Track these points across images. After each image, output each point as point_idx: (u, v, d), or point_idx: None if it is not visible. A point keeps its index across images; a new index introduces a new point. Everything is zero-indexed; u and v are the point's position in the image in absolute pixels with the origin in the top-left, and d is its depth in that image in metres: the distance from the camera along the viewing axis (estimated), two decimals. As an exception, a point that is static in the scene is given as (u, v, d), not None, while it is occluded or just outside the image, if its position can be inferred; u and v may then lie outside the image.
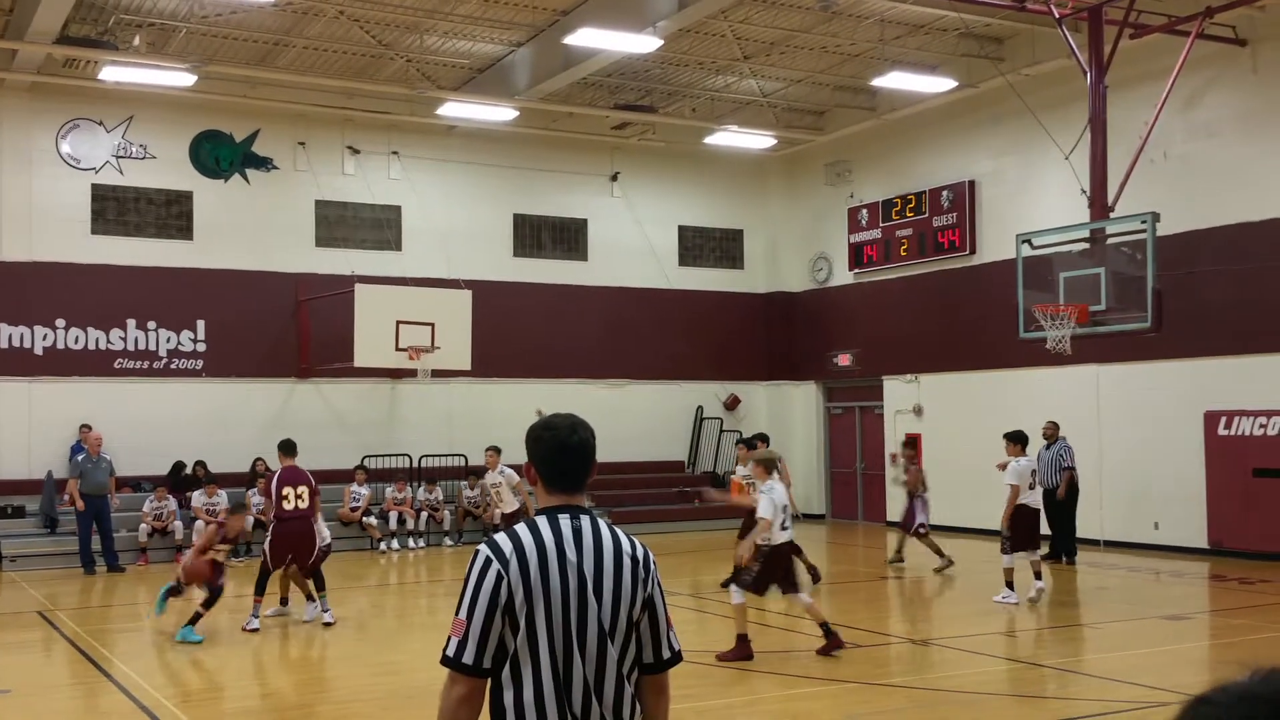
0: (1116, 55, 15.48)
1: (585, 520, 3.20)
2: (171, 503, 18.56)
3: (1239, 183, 16.91)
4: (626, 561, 3.18)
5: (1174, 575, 15.76)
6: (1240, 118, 17.03)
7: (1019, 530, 13.42)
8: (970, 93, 19.91)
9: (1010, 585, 13.24)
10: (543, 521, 3.18)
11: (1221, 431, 16.87)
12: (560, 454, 3.26)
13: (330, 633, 12.25)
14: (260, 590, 12.35)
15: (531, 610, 3.07)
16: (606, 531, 3.21)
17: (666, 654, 3.25)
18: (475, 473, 19.57)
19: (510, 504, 15.25)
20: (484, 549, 3.14)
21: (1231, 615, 13.02)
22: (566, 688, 3.07)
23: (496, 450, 16.05)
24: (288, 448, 12.58)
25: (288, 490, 12.05)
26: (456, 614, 3.10)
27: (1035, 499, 13.81)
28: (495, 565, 3.09)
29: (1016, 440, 13.79)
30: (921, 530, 16.11)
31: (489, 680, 3.11)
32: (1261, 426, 16.42)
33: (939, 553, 15.73)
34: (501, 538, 3.17)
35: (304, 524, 12.17)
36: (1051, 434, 16.92)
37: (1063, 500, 16.61)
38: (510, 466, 15.42)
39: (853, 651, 10.67)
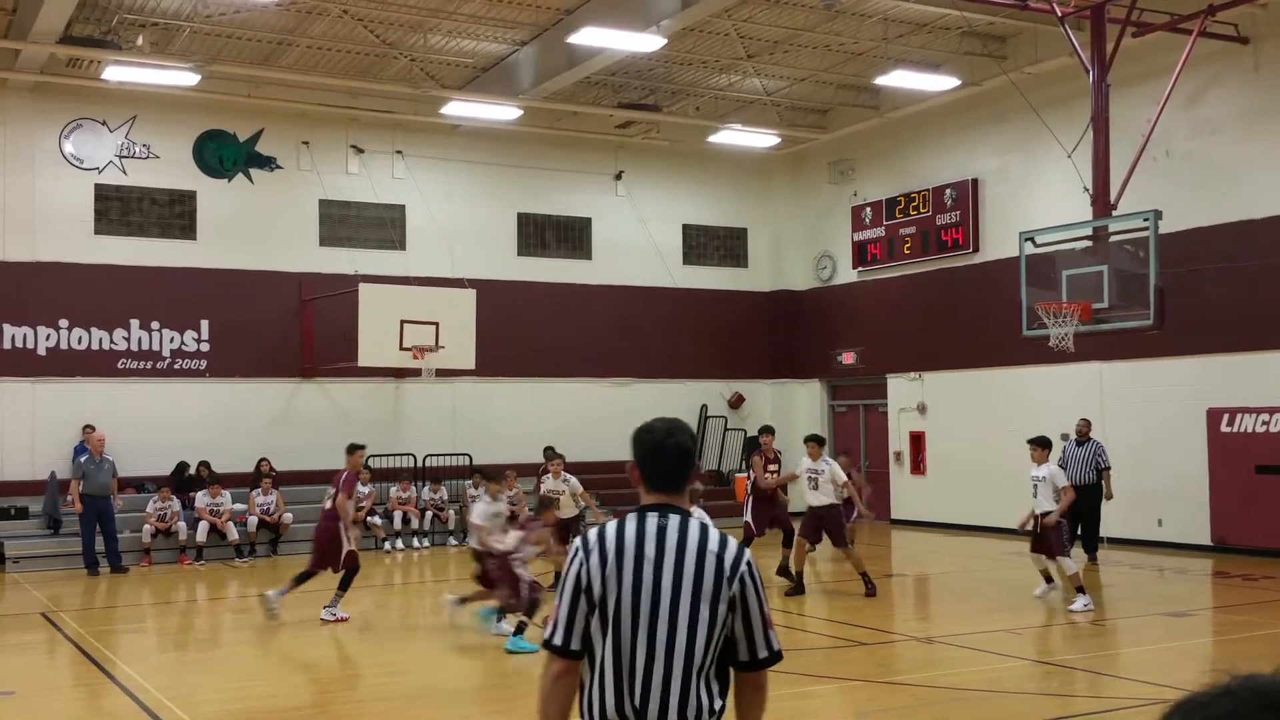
0: (1119, 53, 15.48)
1: (673, 519, 3.30)
2: (175, 503, 18.57)
3: (1241, 180, 16.90)
4: (710, 560, 3.24)
5: (1177, 572, 15.77)
6: (1242, 115, 17.03)
7: (1063, 532, 13.29)
8: (973, 91, 19.91)
9: (1082, 589, 12.75)
10: (631, 518, 3.32)
11: (1224, 428, 16.88)
12: (656, 456, 3.40)
13: (335, 633, 12.28)
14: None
15: (605, 599, 3.23)
16: (694, 531, 3.30)
17: (763, 654, 3.30)
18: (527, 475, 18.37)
19: (569, 510, 15.03)
20: (577, 540, 3.35)
21: (1235, 612, 13.02)
22: (630, 676, 3.19)
23: (561, 458, 15.72)
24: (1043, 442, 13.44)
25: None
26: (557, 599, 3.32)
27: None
28: (579, 555, 3.29)
29: (1044, 445, 13.46)
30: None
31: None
32: (1264, 423, 16.42)
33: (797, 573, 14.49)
34: (594, 530, 3.36)
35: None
36: (1085, 431, 16.86)
37: (1108, 498, 16.53)
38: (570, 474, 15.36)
39: (859, 649, 10.68)
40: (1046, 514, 12.96)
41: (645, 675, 3.18)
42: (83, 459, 17.43)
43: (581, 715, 3.27)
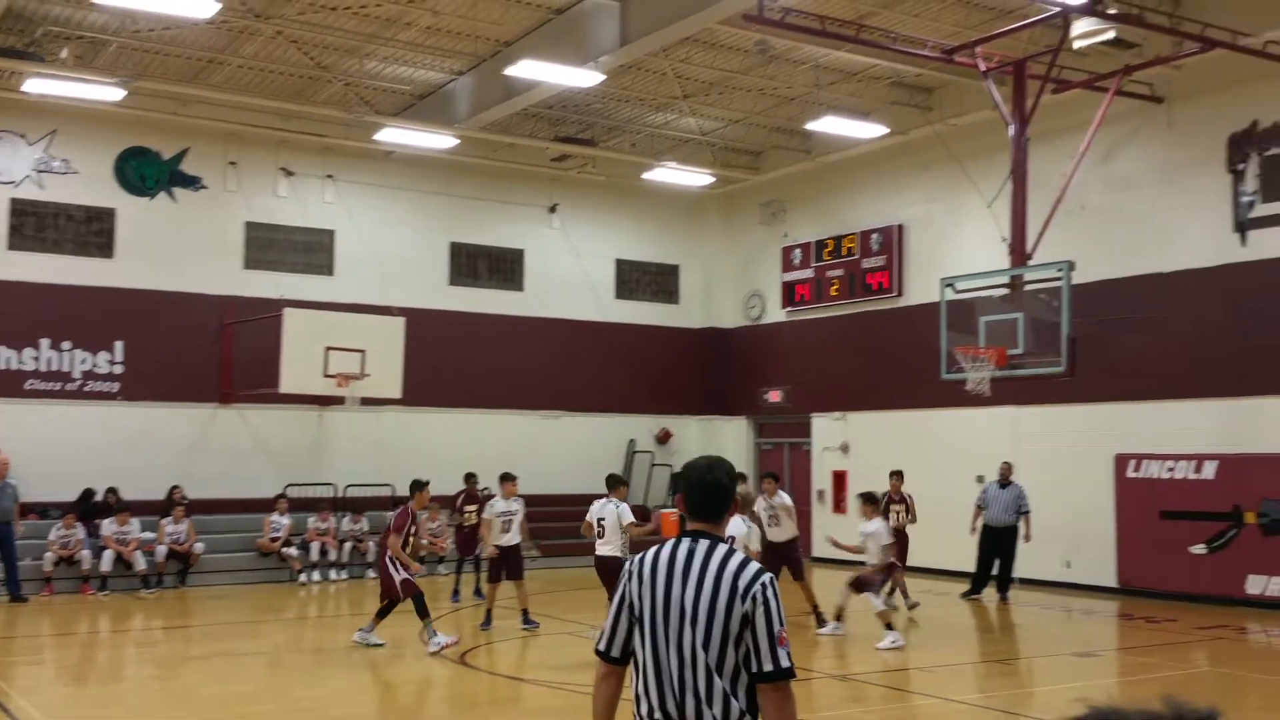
0: (1038, 109, 15.91)
1: (702, 543, 3.76)
2: (80, 531, 17.84)
3: (1153, 235, 17.45)
4: (726, 582, 3.64)
5: (1084, 613, 16.10)
6: (1156, 172, 17.60)
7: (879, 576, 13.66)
8: (900, 139, 20.33)
9: (890, 626, 13.08)
10: (670, 542, 3.82)
11: (1131, 474, 17.34)
12: (696, 489, 3.89)
13: (243, 668, 12.07)
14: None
15: (643, 613, 3.73)
16: (718, 555, 3.71)
17: (768, 667, 3.62)
18: (472, 498, 17.96)
19: (511, 538, 14.36)
20: (627, 563, 3.88)
21: (1139, 653, 13.33)
22: (668, 679, 3.65)
23: (514, 479, 15.19)
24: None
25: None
26: None
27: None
28: (628, 576, 3.82)
29: (871, 502, 13.97)
30: None
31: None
32: (1169, 470, 16.91)
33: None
34: (639, 556, 3.86)
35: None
36: (1007, 474, 17.34)
37: (1027, 539, 17.05)
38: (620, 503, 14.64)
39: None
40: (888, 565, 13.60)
41: (679, 678, 3.63)
42: (-16, 482, 16.77)
43: (636, 711, 3.72)
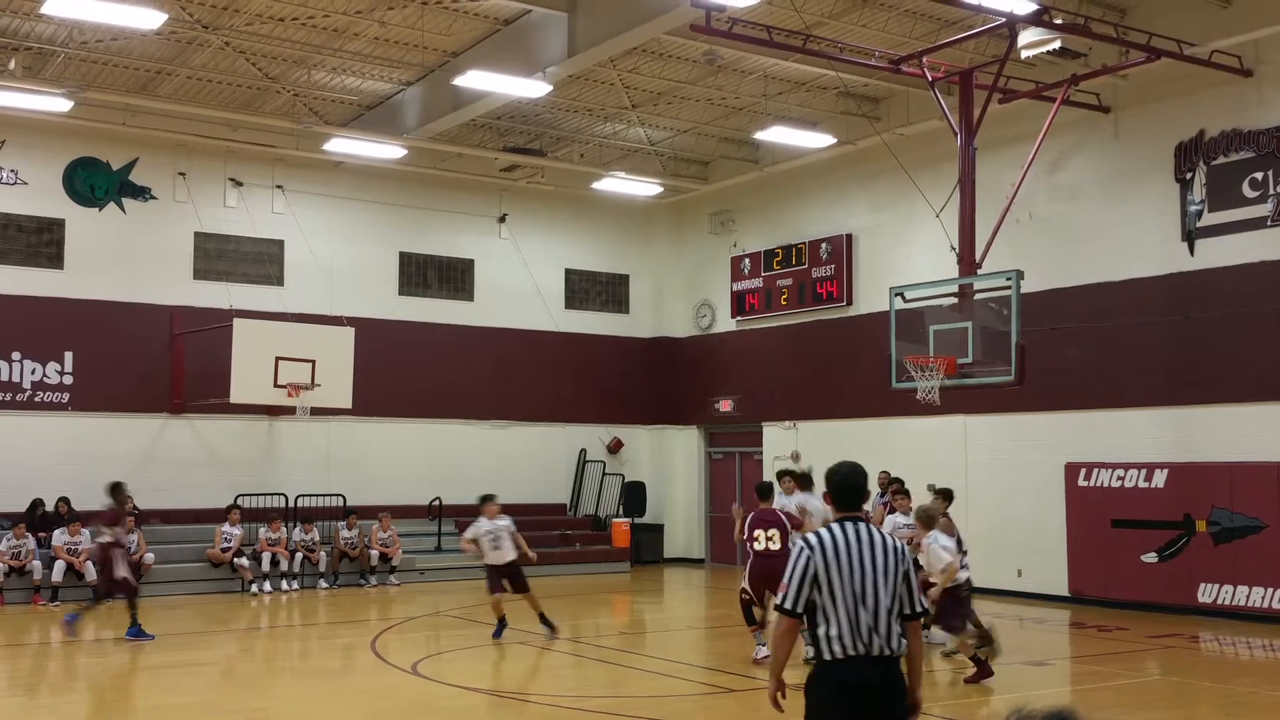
0: (985, 118, 16.11)
1: (862, 526, 5.20)
2: (30, 541, 17.84)
3: (1100, 244, 17.70)
4: (891, 550, 5.16)
5: (1036, 622, 16.26)
6: (1102, 181, 17.85)
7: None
8: (848, 149, 20.50)
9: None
10: (836, 526, 5.20)
11: (1081, 483, 17.53)
12: (844, 488, 5.38)
13: (198, 677, 11.93)
14: (751, 621, 12.67)
15: (830, 578, 5.04)
16: (876, 533, 5.21)
17: (918, 608, 5.19)
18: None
19: (505, 555, 13.93)
20: (801, 542, 5.19)
21: (1090, 662, 13.49)
22: (856, 626, 5.00)
23: (492, 498, 14.66)
24: (765, 491, 13.13)
25: (759, 532, 12.53)
26: (784, 580, 5.13)
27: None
28: (806, 551, 5.11)
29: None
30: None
31: (804, 620, 5.12)
32: (1119, 479, 17.11)
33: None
34: (813, 536, 5.18)
35: (776, 562, 11.83)
36: (885, 483, 16.98)
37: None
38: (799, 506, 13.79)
39: (729, 696, 10.76)
40: None
41: (874, 620, 5.01)
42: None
43: (824, 651, 5.03)
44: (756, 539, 12.49)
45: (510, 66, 16.77)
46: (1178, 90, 16.72)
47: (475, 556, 14.24)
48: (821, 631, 5.05)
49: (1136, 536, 16.81)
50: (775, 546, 12.29)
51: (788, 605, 5.10)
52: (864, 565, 5.06)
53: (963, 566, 11.79)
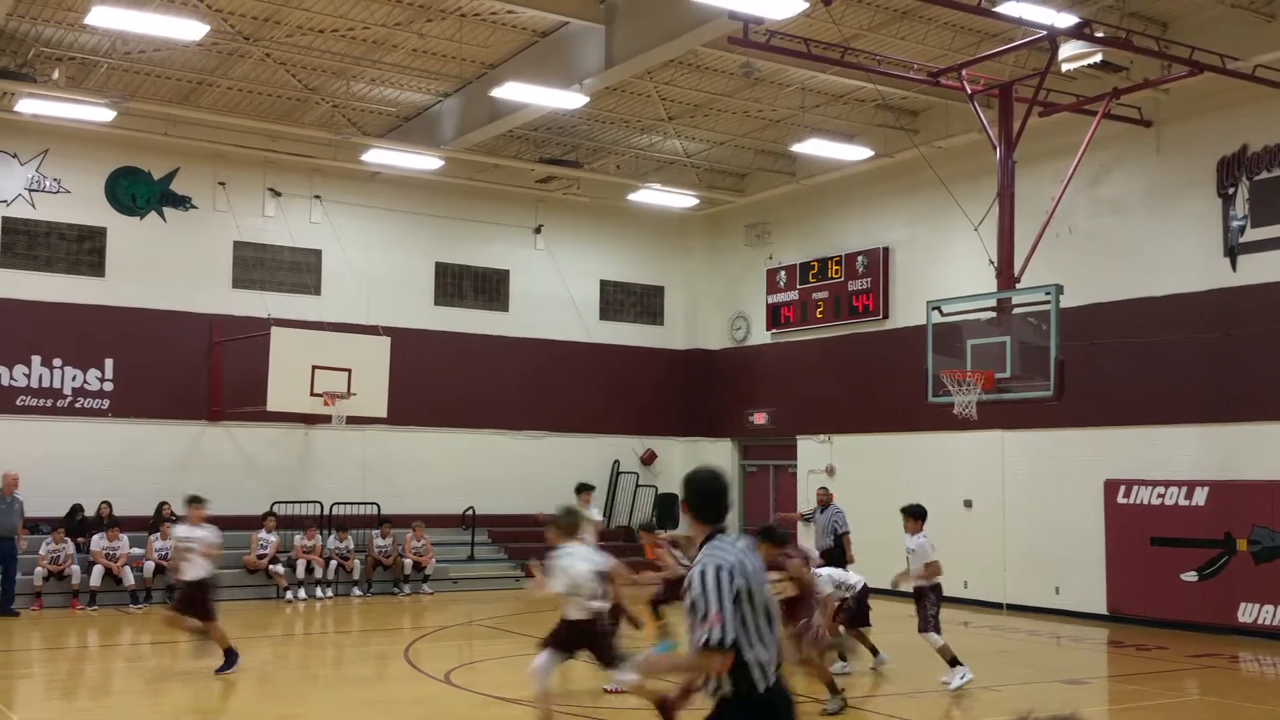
0: (1025, 132, 15.99)
1: (738, 538, 4.70)
2: (69, 546, 18.05)
3: (1141, 259, 17.51)
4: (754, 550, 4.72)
5: (1073, 640, 16.08)
6: (1143, 196, 17.67)
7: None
8: (886, 162, 20.42)
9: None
10: (733, 539, 4.63)
11: (1121, 500, 17.33)
12: (708, 496, 4.71)
13: (232, 684, 11.99)
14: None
15: (754, 597, 4.48)
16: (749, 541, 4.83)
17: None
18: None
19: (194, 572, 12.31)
20: (708, 560, 4.50)
21: (1128, 681, 13.33)
22: (768, 644, 4.49)
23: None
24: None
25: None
26: (711, 608, 4.42)
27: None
28: (730, 573, 4.45)
29: (916, 516, 12.72)
30: None
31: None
32: (1159, 496, 16.90)
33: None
34: (718, 553, 4.52)
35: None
36: (824, 499, 16.98)
37: (850, 561, 15.79)
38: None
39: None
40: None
41: (774, 637, 4.55)
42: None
43: (757, 682, 4.45)
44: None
45: (547, 78, 16.83)
46: (1220, 104, 16.54)
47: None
48: (751, 657, 4.46)
49: (1176, 555, 16.59)
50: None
51: (729, 638, 4.40)
52: (761, 578, 4.59)
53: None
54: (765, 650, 4.48)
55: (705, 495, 4.68)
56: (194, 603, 12.09)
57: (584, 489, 16.55)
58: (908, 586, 12.42)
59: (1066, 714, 1.61)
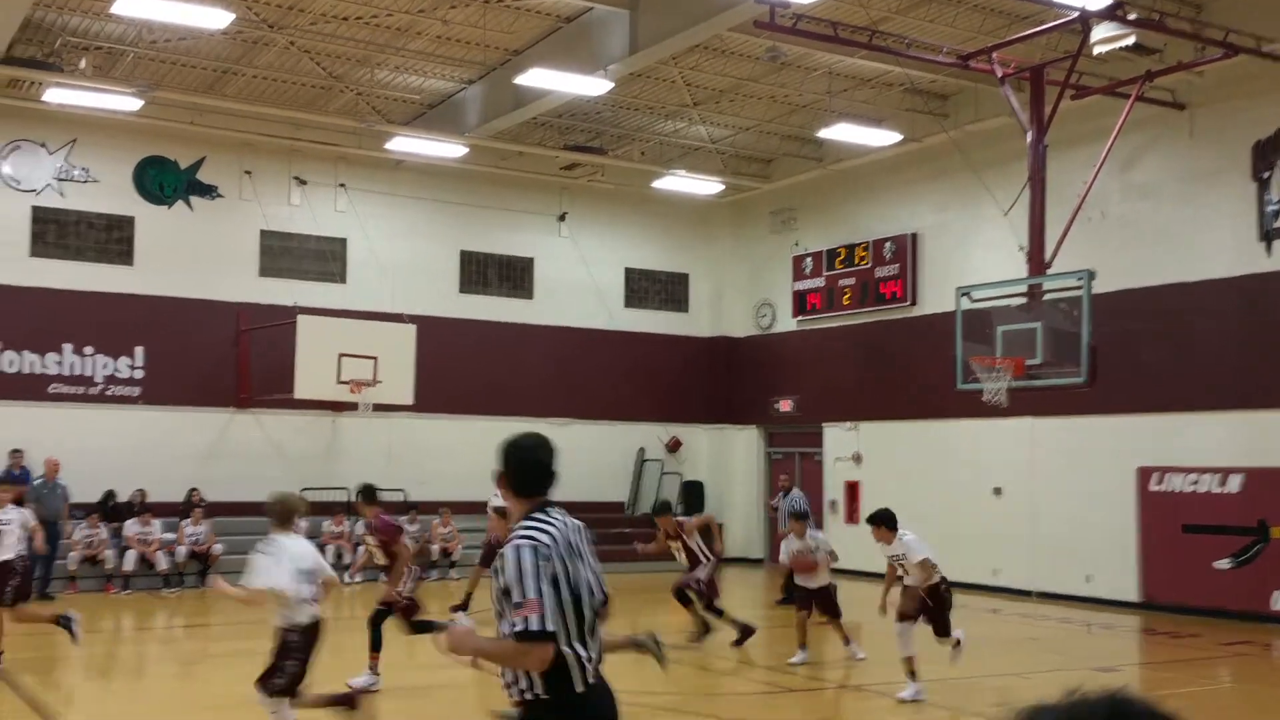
0: (1057, 115, 15.80)
1: (565, 515, 4.14)
2: (103, 531, 18.26)
3: (1174, 244, 17.31)
4: (585, 532, 4.15)
5: (1105, 628, 15.95)
6: (1177, 180, 17.46)
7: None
8: (914, 147, 20.25)
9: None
10: (557, 515, 4.09)
11: (1153, 487, 17.17)
12: (528, 465, 4.26)
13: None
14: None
15: (577, 582, 3.95)
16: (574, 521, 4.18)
17: (606, 594, 4.13)
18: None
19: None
20: (524, 538, 3.96)
21: (1161, 669, 13.22)
22: (591, 636, 3.95)
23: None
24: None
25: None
26: (526, 592, 3.91)
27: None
28: (545, 556, 3.92)
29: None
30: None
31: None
32: (1192, 483, 16.74)
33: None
34: (541, 533, 3.99)
35: None
36: (785, 485, 17.84)
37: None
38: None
39: (788, 695, 10.65)
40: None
41: (595, 627, 4.04)
42: (36, 483, 17.33)
43: (575, 681, 3.92)
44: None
45: (571, 64, 16.76)
46: (1255, 88, 16.31)
47: None
48: (569, 652, 3.87)
49: (1209, 542, 16.43)
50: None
51: (549, 626, 3.81)
52: (589, 559, 4.06)
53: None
54: (585, 645, 3.91)
55: (525, 465, 4.14)
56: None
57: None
58: (920, 590, 11.22)
59: (1118, 687, 1.60)
